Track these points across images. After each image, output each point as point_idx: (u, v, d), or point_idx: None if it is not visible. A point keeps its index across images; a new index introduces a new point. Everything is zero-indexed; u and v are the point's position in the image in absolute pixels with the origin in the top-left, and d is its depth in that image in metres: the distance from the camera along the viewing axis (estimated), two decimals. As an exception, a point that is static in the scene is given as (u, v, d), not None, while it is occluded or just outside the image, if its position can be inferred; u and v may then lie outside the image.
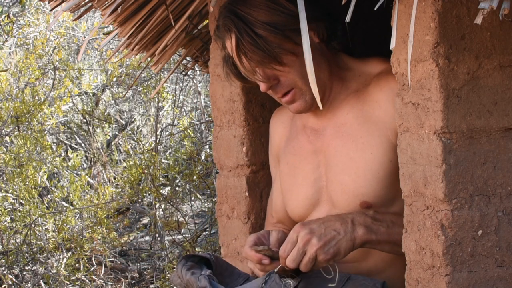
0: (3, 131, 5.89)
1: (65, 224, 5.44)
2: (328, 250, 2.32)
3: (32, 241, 5.45)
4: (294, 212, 2.65)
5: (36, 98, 5.88)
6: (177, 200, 6.10)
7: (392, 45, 1.92)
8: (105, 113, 7.29)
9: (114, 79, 6.68)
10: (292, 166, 2.65)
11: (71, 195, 5.65)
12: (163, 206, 6.24)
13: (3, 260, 5.44)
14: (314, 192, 2.58)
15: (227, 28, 2.46)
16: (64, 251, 5.48)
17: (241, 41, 2.43)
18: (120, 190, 5.95)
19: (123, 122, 7.59)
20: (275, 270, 2.42)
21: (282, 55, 2.43)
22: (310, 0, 2.05)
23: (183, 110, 7.30)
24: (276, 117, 2.84)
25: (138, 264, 6.21)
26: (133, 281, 5.90)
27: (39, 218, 5.43)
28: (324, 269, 2.39)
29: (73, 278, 5.47)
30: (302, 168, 2.61)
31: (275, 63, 2.44)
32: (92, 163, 7.04)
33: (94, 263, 5.73)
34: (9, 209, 5.62)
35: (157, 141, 6.40)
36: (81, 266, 5.55)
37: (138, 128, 7.57)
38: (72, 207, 5.61)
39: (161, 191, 6.04)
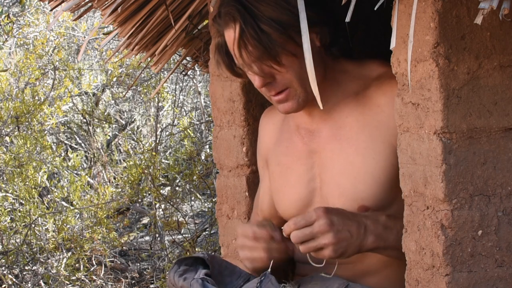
0: (3, 131, 5.89)
1: (65, 224, 5.44)
2: (337, 250, 2.30)
3: (32, 241, 5.45)
4: (286, 213, 2.61)
5: (36, 98, 5.88)
6: (177, 200, 6.10)
7: (392, 45, 1.92)
8: (105, 113, 7.29)
9: (114, 79, 6.68)
10: (284, 167, 2.61)
11: (71, 195, 5.65)
12: (163, 206, 6.23)
13: (3, 260, 5.44)
14: (307, 193, 2.55)
15: (232, 17, 2.36)
16: (64, 251, 5.48)
17: (244, 34, 2.35)
18: (120, 190, 5.95)
19: (123, 122, 7.59)
20: (269, 270, 2.41)
21: (283, 55, 2.38)
22: (318, 4, 2.02)
23: (183, 110, 7.30)
24: (266, 117, 2.79)
25: (138, 264, 6.21)
26: (133, 281, 5.90)
27: (39, 218, 5.43)
28: (318, 263, 2.39)
29: (73, 278, 5.47)
30: (296, 169, 2.58)
31: (274, 62, 2.38)
32: (92, 163, 7.04)
33: (94, 263, 5.73)
34: (9, 209, 5.62)
35: (157, 141, 6.40)
36: (81, 266, 5.55)
37: (138, 128, 7.57)
38: (72, 207, 5.61)
39: (161, 191, 6.04)
